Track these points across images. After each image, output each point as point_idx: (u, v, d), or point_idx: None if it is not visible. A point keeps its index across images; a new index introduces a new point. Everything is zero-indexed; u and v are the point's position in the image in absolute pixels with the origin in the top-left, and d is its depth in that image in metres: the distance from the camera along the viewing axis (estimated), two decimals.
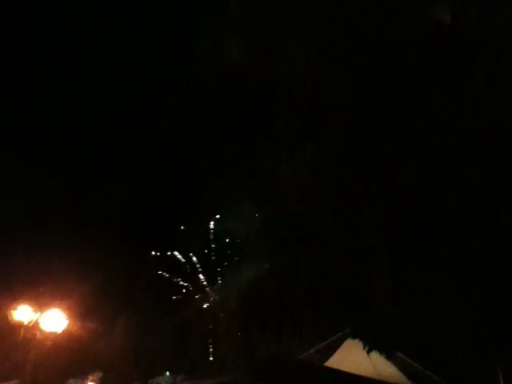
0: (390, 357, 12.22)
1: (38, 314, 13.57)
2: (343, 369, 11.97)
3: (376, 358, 12.20)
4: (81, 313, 16.87)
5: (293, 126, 10.31)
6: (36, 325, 13.49)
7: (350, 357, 12.70)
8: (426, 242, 9.08)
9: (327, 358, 13.96)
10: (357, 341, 12.49)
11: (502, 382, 11.11)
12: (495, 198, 8.21)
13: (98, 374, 13.66)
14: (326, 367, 12.78)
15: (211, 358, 29.23)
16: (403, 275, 9.62)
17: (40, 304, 13.72)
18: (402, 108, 8.46)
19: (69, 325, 14.43)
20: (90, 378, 13.14)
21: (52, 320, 13.72)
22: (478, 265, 8.84)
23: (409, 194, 8.86)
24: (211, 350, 30.15)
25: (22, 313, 13.42)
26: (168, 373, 12.83)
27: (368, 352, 11.56)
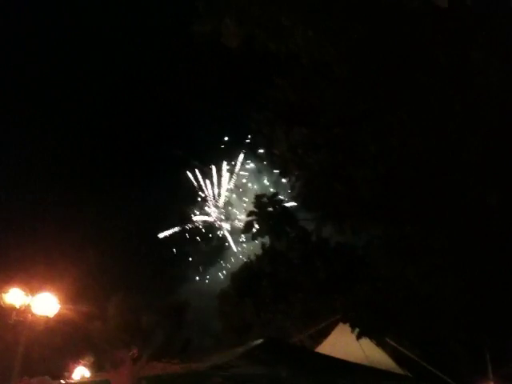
0: (379, 343, 12.32)
1: (30, 297, 13.50)
2: (334, 354, 12.08)
3: (366, 343, 12.30)
4: (73, 295, 16.85)
5: (288, 108, 10.14)
6: (28, 308, 13.44)
7: (341, 342, 12.82)
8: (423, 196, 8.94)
9: (319, 343, 14.12)
10: (347, 326, 12.55)
11: (490, 368, 11.24)
12: (494, 158, 8.13)
13: (90, 359, 13.71)
14: (317, 353, 12.90)
15: (206, 338, 29.44)
16: (398, 228, 9.53)
17: (32, 287, 13.66)
18: (402, 85, 8.33)
19: (61, 308, 14.39)
20: (82, 362, 13.21)
21: (44, 303, 13.67)
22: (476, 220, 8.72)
23: (404, 148, 8.76)
24: (206, 329, 30.38)
25: (14, 296, 13.35)
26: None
27: (357, 338, 11.61)
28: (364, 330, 12.03)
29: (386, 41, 8.00)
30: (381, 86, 8.39)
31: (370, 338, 12.44)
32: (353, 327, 12.52)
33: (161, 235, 45.02)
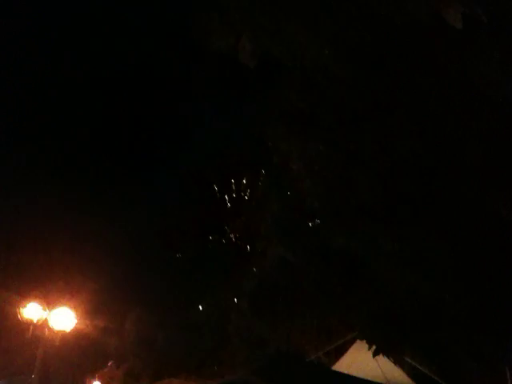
0: (397, 361, 12.13)
1: (47, 311, 13.65)
2: (351, 372, 11.92)
3: (384, 362, 12.11)
4: (90, 310, 16.99)
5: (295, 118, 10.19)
6: (45, 323, 13.58)
7: (358, 360, 12.64)
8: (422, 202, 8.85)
9: (336, 360, 13.94)
10: (365, 344, 12.39)
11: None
12: (494, 164, 8.05)
13: (107, 373, 13.81)
14: (334, 370, 12.75)
15: (221, 354, 29.22)
16: (398, 229, 9.39)
17: (49, 302, 13.81)
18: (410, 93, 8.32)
19: (78, 323, 14.52)
20: (98, 377, 13.28)
21: (61, 318, 13.79)
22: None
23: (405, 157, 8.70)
24: (222, 345, 30.17)
25: (32, 310, 13.50)
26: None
27: (374, 355, 11.44)
28: (380, 348, 11.87)
29: (386, 42, 7.99)
30: (380, 87, 8.38)
31: (388, 355, 12.27)
32: (370, 344, 12.37)
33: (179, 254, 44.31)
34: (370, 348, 12.31)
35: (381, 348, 12.00)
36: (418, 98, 8.16)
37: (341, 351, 14.01)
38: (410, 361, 12.33)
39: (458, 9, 6.74)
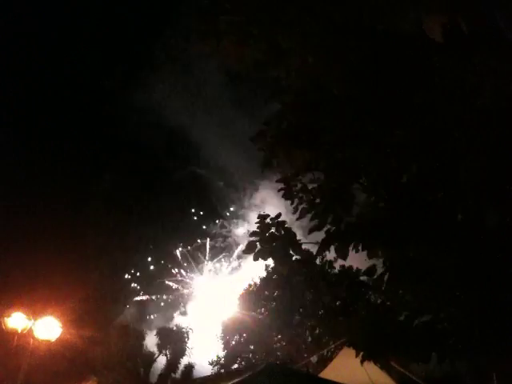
0: (384, 367, 12.12)
1: (32, 321, 13.45)
2: (338, 379, 11.88)
3: (371, 368, 12.09)
4: (75, 320, 16.78)
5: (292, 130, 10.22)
6: (30, 332, 13.38)
7: (345, 367, 12.61)
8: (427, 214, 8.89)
9: (324, 367, 13.90)
10: (352, 350, 12.37)
11: None
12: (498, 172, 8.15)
13: (93, 382, 13.64)
14: (320, 378, 12.71)
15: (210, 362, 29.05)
16: (400, 250, 9.42)
17: (34, 311, 13.62)
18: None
19: (63, 332, 14.33)
20: None
21: (46, 327, 13.61)
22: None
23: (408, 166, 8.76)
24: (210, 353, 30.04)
25: (16, 320, 13.30)
26: None
27: (361, 362, 11.45)
28: (365, 353, 11.83)
29: (384, 61, 8.09)
30: (378, 106, 8.45)
31: (375, 361, 12.25)
32: (357, 351, 12.35)
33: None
34: (357, 355, 12.29)
35: (368, 355, 11.98)
36: (414, 114, 8.22)
37: (329, 357, 13.99)
38: (397, 367, 12.34)
39: (438, 20, 6.87)
